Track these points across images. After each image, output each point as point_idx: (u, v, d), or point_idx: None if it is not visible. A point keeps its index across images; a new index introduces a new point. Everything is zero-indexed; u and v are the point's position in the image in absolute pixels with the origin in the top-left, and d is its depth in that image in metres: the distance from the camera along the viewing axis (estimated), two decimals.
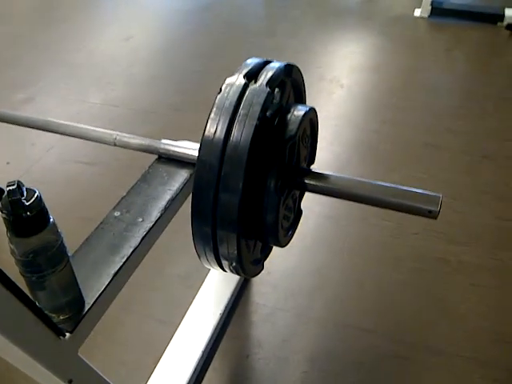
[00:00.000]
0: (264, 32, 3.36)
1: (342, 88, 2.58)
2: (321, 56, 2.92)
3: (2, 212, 0.66)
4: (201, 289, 1.55)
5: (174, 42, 3.27)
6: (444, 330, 1.48)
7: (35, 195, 0.68)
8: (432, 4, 3.21)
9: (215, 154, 0.82)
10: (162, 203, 1.00)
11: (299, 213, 1.09)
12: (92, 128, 1.16)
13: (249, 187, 0.83)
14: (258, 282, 1.62)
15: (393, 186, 0.94)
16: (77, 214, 1.75)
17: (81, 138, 1.16)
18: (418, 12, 3.29)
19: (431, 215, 0.90)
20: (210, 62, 2.96)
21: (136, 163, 1.99)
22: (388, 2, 3.57)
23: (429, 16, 3.26)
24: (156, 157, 1.14)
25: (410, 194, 0.91)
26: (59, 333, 0.76)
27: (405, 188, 0.93)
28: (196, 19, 3.51)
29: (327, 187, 0.95)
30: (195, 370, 1.36)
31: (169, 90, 2.70)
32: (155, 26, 3.53)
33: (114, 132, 1.13)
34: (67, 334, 0.78)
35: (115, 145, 1.12)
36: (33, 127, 1.23)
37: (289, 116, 0.91)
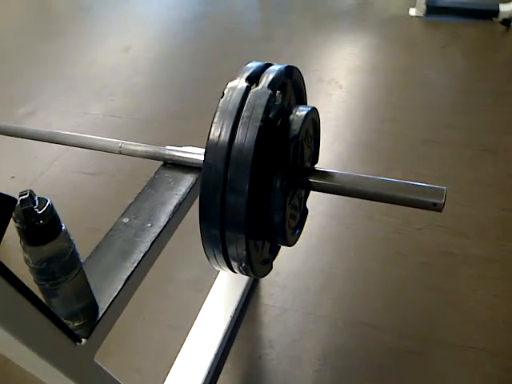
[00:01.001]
0: (261, 37, 3.39)
1: (340, 89, 2.60)
2: (318, 59, 2.93)
3: (15, 221, 0.68)
4: (210, 292, 1.57)
5: (173, 50, 3.29)
6: (454, 322, 1.49)
7: (47, 204, 0.70)
8: (426, 3, 3.22)
9: (221, 157, 0.84)
10: (170, 208, 1.02)
11: (305, 212, 1.10)
12: (97, 137, 1.18)
13: (255, 188, 0.85)
14: (267, 283, 1.63)
15: (397, 180, 0.95)
16: (83, 224, 1.76)
17: (87, 147, 1.18)
18: (413, 11, 3.31)
19: (436, 208, 0.91)
20: (208, 69, 2.98)
21: (140, 172, 2.01)
22: (383, 3, 3.59)
23: (424, 15, 3.27)
24: (161, 163, 1.16)
25: (414, 188, 0.93)
26: (75, 339, 0.77)
27: (409, 182, 0.94)
28: (193, 27, 3.54)
29: (332, 185, 0.97)
30: (208, 373, 1.36)
31: (169, 98, 2.72)
32: (153, 35, 3.56)
33: (119, 140, 1.15)
34: (83, 340, 0.79)
35: (121, 153, 1.13)
36: (39, 139, 1.25)
37: (291, 117, 0.92)
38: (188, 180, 1.09)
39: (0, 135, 1.36)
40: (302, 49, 3.08)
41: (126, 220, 0.99)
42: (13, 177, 2.20)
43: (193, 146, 1.16)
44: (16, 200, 0.66)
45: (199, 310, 1.52)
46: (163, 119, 2.53)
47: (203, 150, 1.09)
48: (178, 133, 2.38)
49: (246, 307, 1.57)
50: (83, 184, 2.13)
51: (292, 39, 3.23)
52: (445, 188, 0.92)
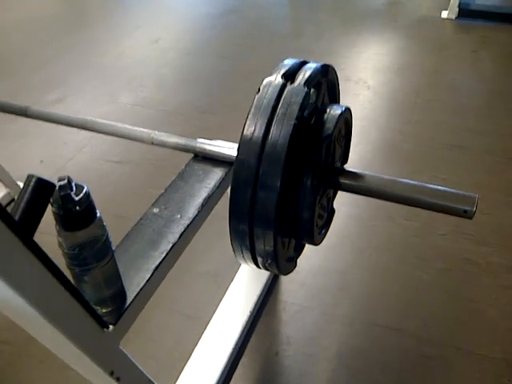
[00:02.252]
0: (290, 34, 3.38)
1: (367, 89, 2.59)
2: (346, 58, 2.93)
3: (52, 206, 0.69)
4: (230, 286, 1.58)
5: (202, 44, 3.30)
6: (472, 330, 1.47)
7: (84, 190, 0.71)
8: (459, 5, 3.18)
9: (254, 153, 0.84)
10: (199, 200, 1.03)
11: (332, 212, 1.10)
12: (130, 127, 1.19)
13: (286, 185, 0.85)
14: (286, 280, 1.64)
15: (428, 185, 0.95)
16: (109, 211, 1.76)
17: (119, 136, 1.19)
18: (444, 14, 3.27)
19: (466, 215, 0.91)
20: (236, 63, 2.99)
21: (166, 163, 2.05)
22: (414, 5, 3.55)
23: (456, 17, 3.23)
24: (188, 156, 1.16)
25: (445, 194, 0.92)
26: (103, 325, 0.78)
27: (440, 187, 0.94)
28: (222, 21, 3.54)
29: (362, 186, 0.96)
30: (225, 366, 1.38)
31: (197, 91, 2.74)
32: (183, 28, 3.57)
33: (151, 131, 1.16)
34: (110, 327, 0.80)
35: (153, 143, 1.14)
36: (71, 126, 1.27)
37: (325, 115, 0.92)
38: (218, 174, 1.09)
39: (32, 120, 1.39)
40: (331, 47, 3.07)
41: (156, 210, 1.00)
42: (42, 161, 2.24)
43: (223, 141, 1.17)
44: (55, 185, 0.67)
45: (218, 303, 1.54)
46: (190, 112, 2.54)
47: (234, 145, 1.11)
48: (204, 126, 2.40)
49: (265, 303, 1.58)
50: (109, 172, 2.16)
51: (321, 37, 3.21)
52: (476, 195, 0.91)
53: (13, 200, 2.00)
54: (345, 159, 1.10)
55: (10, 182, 1.99)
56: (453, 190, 0.93)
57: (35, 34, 3.61)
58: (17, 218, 0.62)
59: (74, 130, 1.33)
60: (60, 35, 3.57)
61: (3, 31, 3.70)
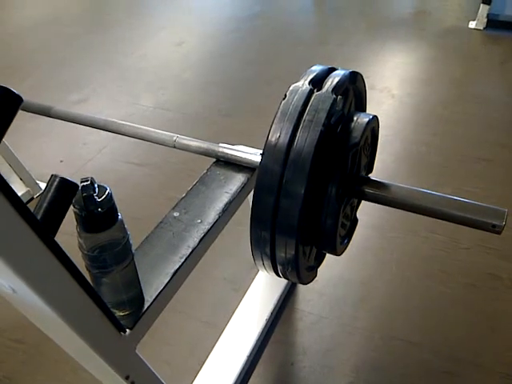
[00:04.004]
0: (315, 40, 3.36)
1: (392, 98, 2.56)
2: (372, 65, 2.90)
3: (74, 207, 0.68)
4: (247, 293, 1.56)
5: (225, 48, 3.30)
6: (495, 348, 1.43)
7: (106, 192, 0.70)
8: (488, 16, 3.13)
9: (278, 159, 0.83)
10: (220, 205, 1.01)
11: (355, 221, 1.08)
12: (153, 130, 1.18)
13: (310, 193, 0.83)
14: (304, 289, 1.61)
15: (455, 198, 0.92)
16: (126, 213, 1.77)
17: (141, 139, 1.19)
18: (472, 24, 3.22)
19: (495, 230, 0.88)
20: (260, 68, 2.98)
21: (186, 166, 2.05)
22: (442, 14, 3.51)
23: (484, 28, 3.18)
24: (209, 160, 1.15)
25: (473, 207, 0.89)
26: (121, 328, 0.77)
27: (468, 201, 0.91)
28: (247, 26, 3.54)
29: (387, 196, 0.94)
30: (239, 374, 1.36)
31: (219, 95, 2.73)
32: (207, 32, 3.58)
33: (173, 134, 1.15)
34: (127, 331, 0.79)
35: (175, 147, 1.14)
36: (94, 127, 1.27)
37: (352, 124, 0.90)
38: (239, 179, 1.08)
39: (53, 119, 1.39)
40: (356, 54, 3.05)
41: (176, 214, 0.99)
42: (61, 161, 2.25)
43: (245, 146, 1.15)
44: (78, 186, 0.66)
45: (235, 310, 1.52)
46: (212, 116, 2.53)
47: (256, 150, 1.09)
48: (226, 131, 2.39)
49: (282, 311, 1.56)
50: (129, 174, 2.16)
51: (346, 44, 3.19)
52: (506, 210, 0.88)
53: (32, 198, 2.02)
54: (370, 168, 1.08)
55: (29, 181, 2.00)
56: (481, 204, 0.90)
57: (60, 32, 3.65)
58: (39, 217, 0.62)
59: (95, 130, 1.34)
60: (84, 34, 3.61)
61: (28, 30, 3.75)
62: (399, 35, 3.28)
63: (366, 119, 0.91)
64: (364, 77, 1.03)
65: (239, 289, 1.59)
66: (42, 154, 2.32)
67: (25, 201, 1.97)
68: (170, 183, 2.06)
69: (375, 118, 0.95)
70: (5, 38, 3.65)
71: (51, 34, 3.63)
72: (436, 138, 2.27)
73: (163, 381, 0.96)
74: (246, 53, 3.20)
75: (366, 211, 1.77)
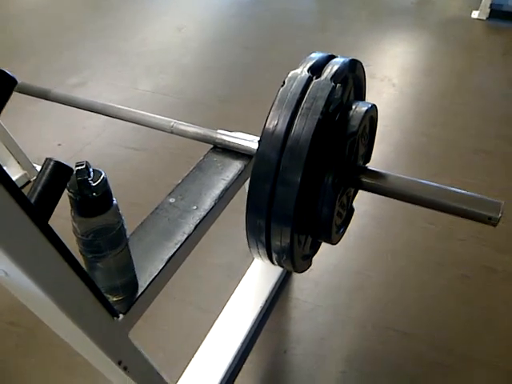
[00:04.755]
0: (315, 27, 3.34)
1: (393, 87, 2.54)
2: (372, 54, 2.88)
3: (68, 191, 0.68)
4: (242, 280, 1.56)
5: (225, 33, 3.28)
6: (487, 340, 1.44)
7: (101, 177, 0.69)
8: (491, 6, 3.10)
9: (275, 147, 0.82)
10: (216, 192, 1.01)
11: (351, 210, 1.08)
12: (150, 114, 1.17)
13: (306, 182, 0.83)
14: (299, 278, 1.62)
15: (452, 189, 0.92)
16: (123, 198, 1.76)
17: (138, 123, 1.18)
18: (475, 14, 3.20)
19: (491, 222, 0.88)
20: (260, 54, 2.96)
21: (184, 152, 2.04)
22: (444, 3, 3.48)
23: (487, 18, 3.16)
24: (206, 147, 1.14)
25: (470, 199, 0.89)
26: (114, 313, 0.77)
27: (464, 192, 0.91)
28: (248, 12, 3.51)
29: (384, 186, 0.94)
30: (233, 361, 1.36)
31: (218, 81, 2.72)
32: (207, 17, 3.55)
33: (171, 119, 1.14)
34: (120, 316, 0.79)
35: (172, 132, 1.13)
36: (91, 111, 1.26)
37: (350, 112, 0.90)
38: (236, 166, 1.07)
39: (52, 102, 1.38)
40: (356, 42, 3.03)
41: (172, 200, 0.98)
42: (59, 144, 2.24)
43: (243, 133, 1.15)
44: (72, 170, 0.66)
45: (230, 297, 1.52)
46: (211, 101, 2.52)
47: (254, 137, 1.09)
48: (224, 116, 2.38)
49: (277, 299, 1.56)
50: (127, 158, 2.15)
51: (347, 32, 3.17)
52: (502, 202, 0.88)
53: (29, 182, 2.01)
54: (367, 158, 1.07)
55: (26, 164, 1.99)
56: (478, 195, 0.90)
57: (59, 16, 3.62)
58: (33, 201, 0.61)
59: (93, 114, 1.33)
60: (84, 19, 3.58)
61: (28, 13, 3.71)
62: (401, 24, 3.26)
63: (365, 108, 0.91)
64: (364, 65, 1.02)
65: (234, 276, 1.59)
66: (40, 138, 2.31)
67: (21, 184, 1.96)
68: (169, 169, 2.05)
69: (374, 106, 0.95)
70: (4, 22, 3.61)
71: (51, 18, 3.60)
72: (436, 128, 2.26)
73: (156, 366, 0.96)
74: (246, 39, 3.17)
75: (364, 201, 1.78)
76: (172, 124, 1.13)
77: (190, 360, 1.37)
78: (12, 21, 3.60)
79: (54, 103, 1.38)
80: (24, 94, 1.36)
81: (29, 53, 3.10)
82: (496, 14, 3.15)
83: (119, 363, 0.82)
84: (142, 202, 1.49)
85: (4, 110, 0.66)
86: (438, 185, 0.93)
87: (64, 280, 0.65)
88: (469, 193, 0.90)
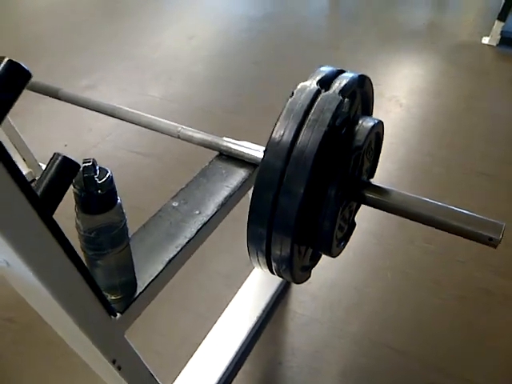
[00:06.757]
0: (326, 45, 3.37)
1: (400, 107, 2.56)
2: (381, 74, 2.90)
3: (74, 187, 0.69)
4: (240, 289, 1.56)
5: (236, 46, 3.31)
6: (483, 363, 1.43)
7: (107, 175, 0.70)
8: (502, 33, 3.13)
9: (280, 156, 0.83)
10: (220, 199, 1.01)
11: (353, 225, 1.08)
12: (158, 119, 1.19)
13: (309, 193, 0.83)
14: (298, 290, 1.62)
15: (454, 208, 0.92)
16: (126, 202, 1.78)
17: (146, 127, 1.19)
18: (486, 40, 3.22)
19: (491, 243, 0.88)
20: (269, 69, 2.98)
21: (189, 159, 2.04)
22: (455, 28, 3.51)
23: (497, 44, 3.18)
24: (212, 154, 1.15)
25: (471, 219, 0.89)
26: (111, 312, 0.78)
27: (466, 212, 0.91)
28: (259, 26, 3.55)
29: (387, 202, 0.94)
30: (226, 370, 1.36)
31: (226, 91, 2.74)
32: (218, 28, 3.59)
33: (178, 125, 1.15)
34: (118, 315, 0.80)
35: (179, 137, 1.14)
36: (101, 112, 1.28)
37: (357, 127, 0.91)
38: (241, 174, 1.08)
39: (61, 102, 1.40)
40: (366, 61, 3.05)
41: (175, 204, 0.99)
42: (66, 145, 2.26)
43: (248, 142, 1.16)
44: (79, 166, 0.66)
45: (227, 305, 1.52)
46: (217, 111, 2.54)
47: (259, 147, 1.10)
48: (230, 126, 2.39)
49: (274, 310, 1.56)
50: (131, 162, 2.17)
51: (357, 50, 3.19)
52: (503, 224, 0.89)
53: (34, 180, 2.02)
54: (372, 173, 1.08)
55: (32, 162, 2.01)
56: (480, 216, 0.90)
57: (70, 20, 3.68)
58: (39, 193, 0.62)
59: (101, 117, 1.34)
60: (97, 22, 3.63)
61: (39, 16, 3.76)
62: (411, 46, 3.28)
63: (371, 123, 0.92)
64: (373, 84, 1.03)
65: (233, 284, 1.59)
66: (47, 137, 2.33)
67: None
68: (173, 175, 2.06)
69: (380, 122, 0.96)
70: (17, 23, 3.66)
71: (61, 22, 3.64)
72: (441, 150, 2.27)
73: (150, 369, 0.96)
74: (256, 52, 3.20)
75: (366, 218, 1.78)
76: (179, 129, 1.14)
77: (184, 366, 1.37)
78: (23, 23, 3.65)
79: (63, 104, 1.40)
80: (34, 91, 1.38)
81: (40, 54, 3.14)
82: (506, 40, 3.16)
83: (113, 362, 0.82)
84: (144, 207, 1.49)
85: (13, 108, 0.66)
86: (440, 203, 0.93)
87: (64, 274, 0.65)
88: (470, 213, 0.91)
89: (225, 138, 1.14)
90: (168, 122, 1.18)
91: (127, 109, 1.25)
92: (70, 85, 2.72)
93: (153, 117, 1.20)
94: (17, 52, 3.13)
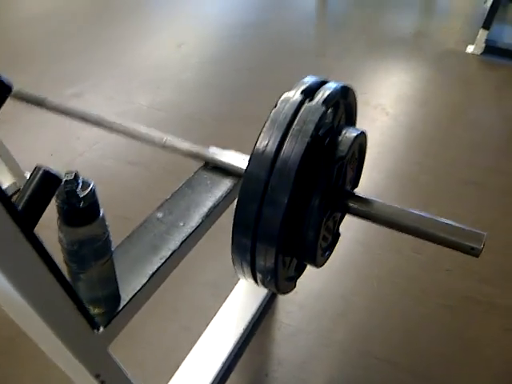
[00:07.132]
0: (313, 52, 3.38)
1: (386, 116, 2.58)
2: (368, 82, 2.92)
3: (56, 200, 0.68)
4: (227, 300, 1.55)
5: (225, 53, 3.31)
6: (467, 370, 1.44)
7: (90, 187, 0.70)
8: (486, 42, 3.17)
9: (264, 167, 0.83)
10: (204, 210, 1.01)
11: (337, 235, 1.09)
12: (143, 128, 1.18)
13: (293, 203, 0.83)
14: (284, 301, 1.61)
15: (437, 218, 0.93)
16: (112, 211, 1.75)
17: (131, 137, 1.19)
18: (470, 48, 3.26)
19: (473, 252, 0.89)
20: (257, 77, 2.99)
21: (175, 168, 2.04)
22: (441, 37, 3.55)
23: (481, 53, 3.22)
24: (200, 163, 1.15)
25: (454, 229, 0.90)
26: (94, 326, 0.77)
27: (449, 222, 0.92)
28: (248, 34, 3.56)
29: (370, 212, 0.95)
30: (213, 380, 1.35)
31: (215, 99, 2.74)
32: (207, 36, 3.59)
33: (164, 134, 1.15)
34: (101, 328, 0.79)
35: (164, 147, 1.14)
36: (86, 121, 1.27)
37: (340, 137, 0.91)
38: (226, 184, 1.08)
39: (47, 112, 1.39)
40: (353, 69, 3.07)
41: (159, 215, 0.99)
42: (52, 154, 2.24)
43: (236, 151, 1.16)
44: (61, 179, 0.66)
45: (213, 316, 1.51)
46: (206, 119, 2.54)
47: (246, 156, 1.10)
48: (218, 135, 2.39)
49: (261, 321, 1.55)
50: (118, 171, 2.16)
51: (344, 58, 3.22)
52: (485, 233, 0.89)
53: (18, 190, 2.00)
54: (355, 183, 1.08)
55: (17, 172, 1.99)
56: (462, 226, 0.91)
57: (59, 27, 3.66)
58: (20, 208, 0.61)
59: (88, 126, 1.33)
60: (84, 30, 3.61)
61: (29, 22, 3.74)
62: (398, 54, 3.31)
63: (354, 134, 0.92)
64: (359, 93, 1.04)
65: (219, 295, 1.58)
66: (34, 146, 2.31)
67: (11, 192, 1.95)
68: (160, 184, 2.05)
69: (363, 133, 0.96)
70: (4, 30, 3.64)
71: (50, 29, 3.63)
72: (427, 158, 2.29)
73: (134, 382, 0.95)
74: (245, 60, 3.21)
75: (353, 227, 1.79)
76: (165, 139, 1.14)
77: (170, 378, 1.35)
78: (10, 31, 3.63)
79: (48, 113, 1.39)
80: (19, 100, 1.37)
81: (27, 62, 3.12)
82: (490, 49, 3.21)
83: (97, 377, 0.81)
84: (130, 216, 1.49)
85: (0, 117, 0.66)
86: (423, 214, 0.94)
87: (45, 288, 0.65)
88: (453, 223, 0.91)
89: (210, 148, 1.14)
90: (154, 131, 1.18)
91: (112, 119, 1.24)
92: (55, 93, 2.71)
93: (138, 126, 1.20)
94: (3, 60, 3.11)
